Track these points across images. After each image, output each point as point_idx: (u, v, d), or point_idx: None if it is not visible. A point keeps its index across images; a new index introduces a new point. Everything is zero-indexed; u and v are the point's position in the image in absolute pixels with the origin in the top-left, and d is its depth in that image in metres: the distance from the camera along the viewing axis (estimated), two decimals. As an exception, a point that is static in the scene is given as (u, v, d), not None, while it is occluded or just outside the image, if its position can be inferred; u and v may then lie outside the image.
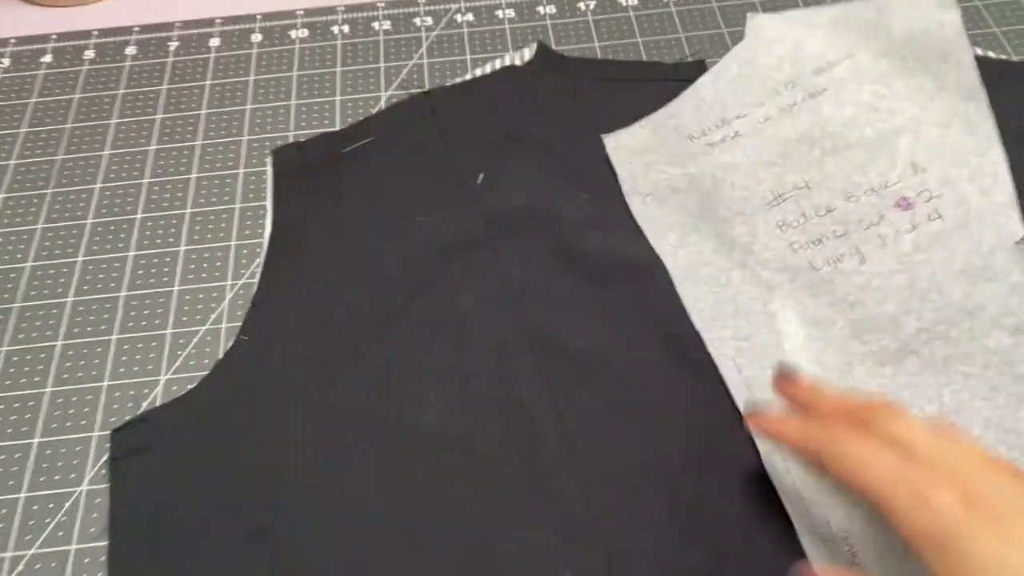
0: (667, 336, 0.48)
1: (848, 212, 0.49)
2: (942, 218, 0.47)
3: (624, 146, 0.55)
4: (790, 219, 0.50)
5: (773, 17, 0.56)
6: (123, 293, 0.52)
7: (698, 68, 0.59)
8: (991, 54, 0.58)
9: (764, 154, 0.52)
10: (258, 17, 0.67)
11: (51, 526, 0.44)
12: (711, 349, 0.47)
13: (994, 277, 0.45)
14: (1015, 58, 0.58)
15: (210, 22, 0.67)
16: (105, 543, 0.44)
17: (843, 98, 0.51)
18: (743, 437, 0.44)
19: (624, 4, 0.66)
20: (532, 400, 0.47)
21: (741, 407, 0.45)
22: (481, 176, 0.56)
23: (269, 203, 0.56)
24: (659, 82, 0.58)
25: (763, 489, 0.43)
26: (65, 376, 0.49)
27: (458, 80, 0.61)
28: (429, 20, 0.66)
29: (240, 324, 0.50)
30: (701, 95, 0.55)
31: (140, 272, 0.53)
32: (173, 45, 0.66)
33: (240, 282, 0.53)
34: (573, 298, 0.50)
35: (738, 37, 0.59)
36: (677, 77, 0.59)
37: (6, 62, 0.65)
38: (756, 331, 0.48)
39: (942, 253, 0.47)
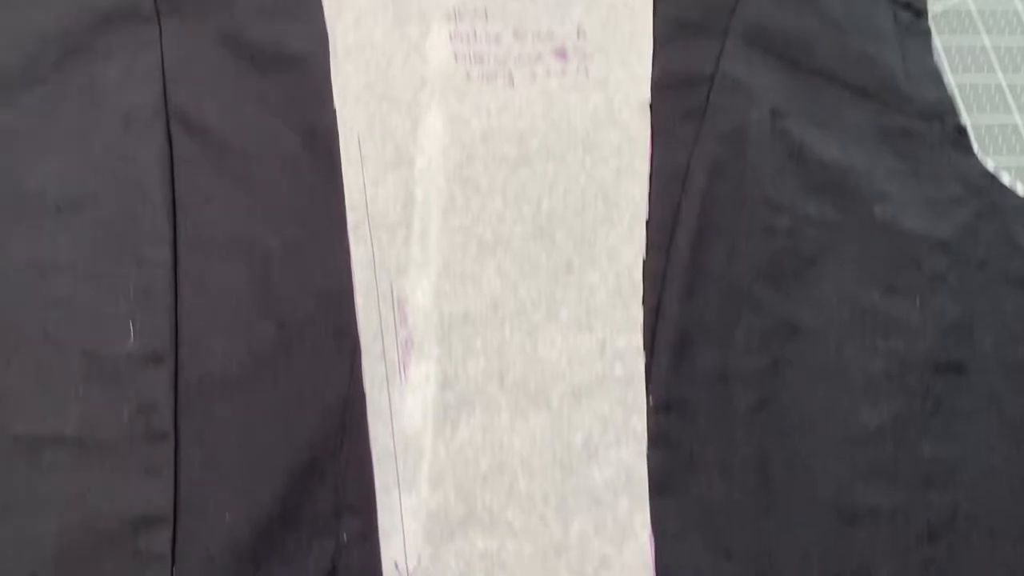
0: (307, 129, 0.49)
1: (513, 45, 0.52)
2: (588, 74, 0.52)
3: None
4: (462, 33, 0.52)
5: None
6: None
7: None
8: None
9: (456, -21, 0.54)
10: None
11: None
12: (341, 126, 0.49)
13: (616, 126, 0.50)
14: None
15: None
16: None
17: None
18: (341, 229, 0.46)
19: None
20: (148, 171, 0.46)
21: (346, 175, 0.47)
22: None
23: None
24: None
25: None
26: None
27: None
28: None
29: None
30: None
31: None
32: None
33: None
34: (224, 82, 0.50)
35: None
36: None
37: None
38: (395, 114, 0.50)
39: (579, 98, 0.51)
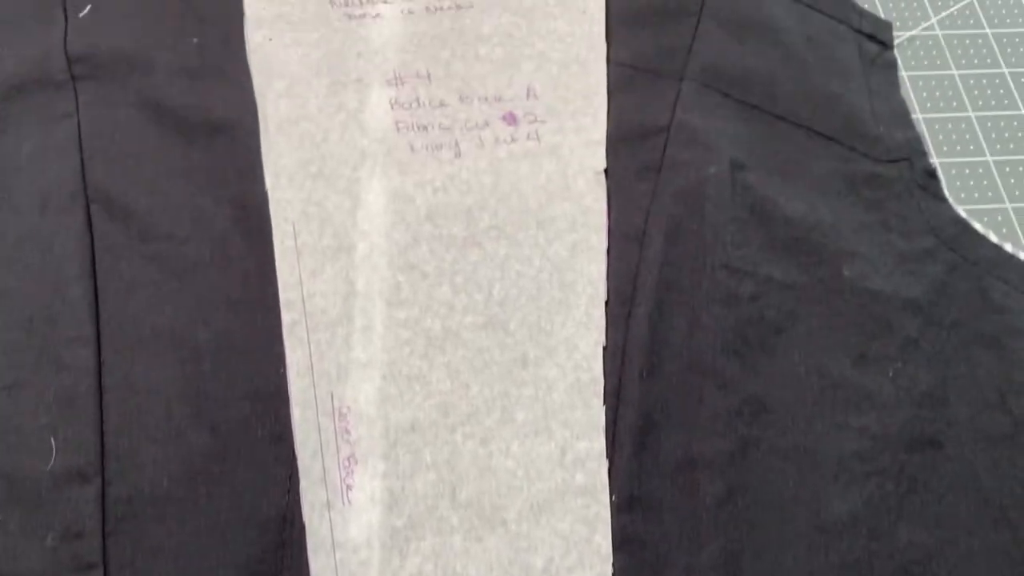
0: (237, 203, 0.46)
1: (459, 111, 0.50)
2: (539, 140, 0.49)
3: (262, -8, 0.52)
4: (404, 100, 0.50)
5: None
6: None
7: None
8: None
9: (398, 39, 0.51)
10: None
11: None
12: (274, 212, 0.46)
13: (570, 198, 0.48)
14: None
15: None
16: None
17: (485, 18, 0.53)
18: (275, 317, 0.44)
19: None
20: (67, 262, 0.43)
21: (280, 271, 0.45)
22: (88, 8, 0.50)
23: None
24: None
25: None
26: None
27: None
28: None
29: None
30: (355, -28, 0.54)
31: None
32: None
33: None
34: (147, 155, 0.47)
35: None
36: None
37: None
38: (332, 194, 0.47)
39: (531, 167, 0.48)
